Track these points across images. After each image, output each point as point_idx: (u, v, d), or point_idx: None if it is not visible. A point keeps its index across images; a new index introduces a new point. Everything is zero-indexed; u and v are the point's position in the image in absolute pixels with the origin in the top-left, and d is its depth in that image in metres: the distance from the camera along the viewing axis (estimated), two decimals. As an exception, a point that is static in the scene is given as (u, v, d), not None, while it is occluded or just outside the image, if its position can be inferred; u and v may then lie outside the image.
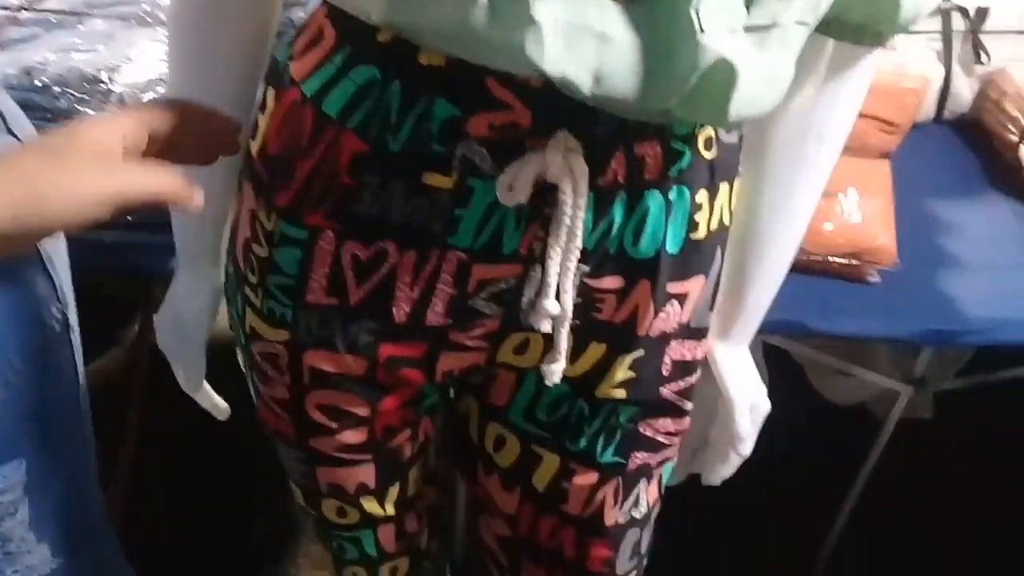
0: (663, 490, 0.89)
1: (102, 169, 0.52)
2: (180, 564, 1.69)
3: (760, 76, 0.55)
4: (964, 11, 1.22)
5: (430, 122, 0.59)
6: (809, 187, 0.75)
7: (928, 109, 1.27)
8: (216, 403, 0.87)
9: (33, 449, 0.82)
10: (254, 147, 0.68)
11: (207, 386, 0.86)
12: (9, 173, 0.49)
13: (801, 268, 1.04)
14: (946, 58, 1.24)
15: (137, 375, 1.83)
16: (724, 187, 0.67)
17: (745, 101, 0.54)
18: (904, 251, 1.03)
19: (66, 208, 0.50)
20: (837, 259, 1.02)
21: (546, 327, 0.66)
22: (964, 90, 1.26)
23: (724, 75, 0.52)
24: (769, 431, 1.62)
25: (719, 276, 0.72)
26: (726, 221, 0.68)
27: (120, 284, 1.52)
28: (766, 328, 0.99)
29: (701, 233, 0.66)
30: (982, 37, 1.23)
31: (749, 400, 0.83)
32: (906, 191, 1.10)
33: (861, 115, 1.03)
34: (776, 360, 1.58)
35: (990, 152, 1.25)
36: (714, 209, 0.67)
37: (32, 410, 0.80)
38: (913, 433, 1.65)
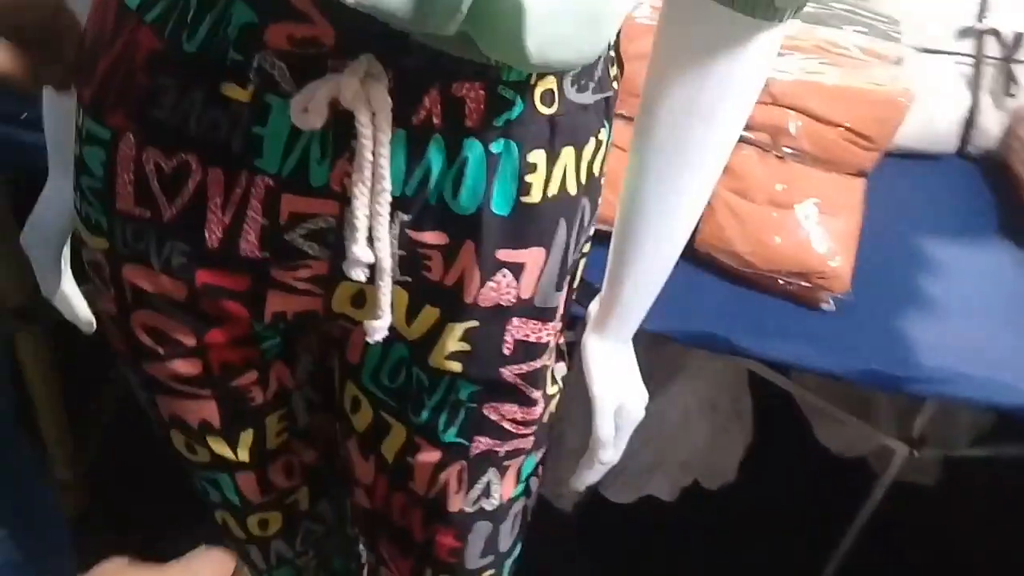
0: (527, 490, 0.83)
1: None
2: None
3: (568, 13, 0.49)
4: (998, 35, 1.10)
5: (228, 25, 0.55)
6: (694, 174, 0.68)
7: (949, 140, 1.15)
8: (78, 314, 0.85)
9: None
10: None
11: (67, 295, 0.84)
12: None
13: (746, 283, 0.96)
14: (975, 85, 1.13)
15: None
16: (569, 152, 0.61)
17: (548, 40, 0.49)
18: (864, 280, 0.94)
19: None
20: (784, 278, 0.93)
21: (359, 275, 0.61)
22: (992, 124, 1.14)
23: (510, 5, 0.46)
24: (765, 472, 1.53)
25: (568, 252, 0.65)
26: (571, 190, 0.62)
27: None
28: (685, 339, 0.92)
29: (535, 197, 0.60)
30: (1016, 67, 1.11)
31: (616, 402, 0.77)
32: (885, 217, 1.00)
33: (831, 123, 0.96)
34: (777, 401, 1.49)
35: (1012, 196, 1.13)
36: (552, 173, 0.60)
37: None
38: (911, 496, 1.53)
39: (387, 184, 0.57)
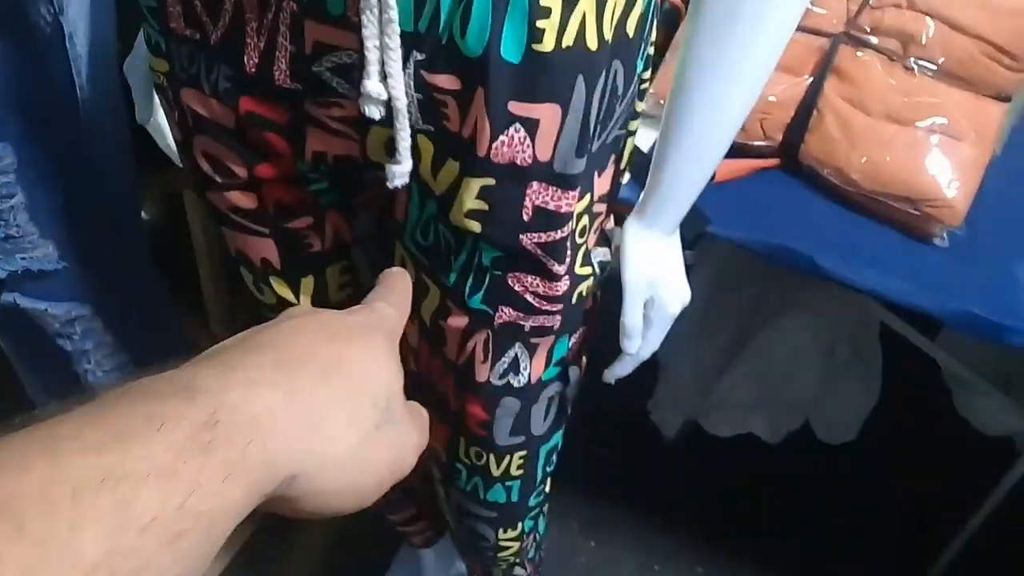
0: (563, 376, 0.81)
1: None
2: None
3: None
4: None
5: None
6: (746, 54, 0.62)
7: None
8: (168, 144, 0.91)
9: (22, 137, 0.91)
10: None
11: (160, 124, 0.89)
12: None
13: (845, 201, 0.88)
14: None
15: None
16: (588, 0, 0.57)
17: None
18: (980, 217, 0.83)
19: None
20: (890, 201, 0.84)
21: (373, 112, 0.61)
22: None
23: None
24: (890, 436, 1.42)
25: (589, 115, 0.62)
26: (591, 43, 0.59)
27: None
28: (764, 251, 0.86)
29: (547, 45, 0.58)
30: None
31: (648, 291, 0.73)
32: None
33: (972, 35, 0.85)
34: (912, 362, 1.37)
35: None
36: (569, 21, 0.57)
37: (18, 98, 0.88)
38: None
39: (394, 14, 0.56)
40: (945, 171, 0.82)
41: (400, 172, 0.64)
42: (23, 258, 1.02)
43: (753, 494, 1.55)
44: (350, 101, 0.64)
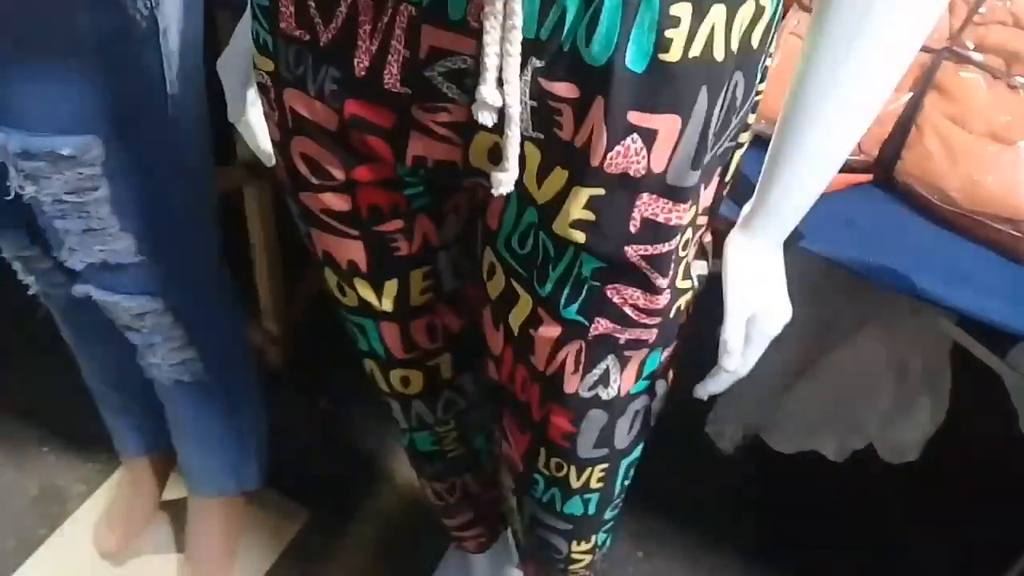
0: (651, 390, 0.80)
1: None
2: (341, 371, 1.81)
3: None
4: None
5: None
6: (872, 59, 0.61)
7: None
8: (260, 144, 0.90)
9: (112, 132, 0.91)
10: None
11: (251, 123, 0.89)
12: None
13: (944, 222, 0.86)
14: None
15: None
16: (719, 10, 0.56)
17: None
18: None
19: None
20: (992, 222, 0.82)
21: (486, 119, 0.60)
22: None
23: None
24: (953, 457, 1.39)
25: (708, 126, 0.61)
26: (718, 54, 0.57)
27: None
28: (861, 270, 0.84)
29: (674, 55, 0.56)
30: None
31: (750, 309, 0.71)
32: None
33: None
34: (980, 382, 1.34)
35: None
36: (698, 31, 0.56)
37: (110, 92, 0.88)
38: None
39: (518, 20, 0.55)
40: (1050, 192, 0.80)
41: (507, 180, 0.63)
42: (101, 250, 1.02)
43: (807, 512, 1.53)
44: (458, 106, 0.63)
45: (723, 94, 0.60)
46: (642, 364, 0.77)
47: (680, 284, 0.72)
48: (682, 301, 0.74)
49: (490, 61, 0.58)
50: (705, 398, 0.79)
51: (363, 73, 0.64)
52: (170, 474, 1.54)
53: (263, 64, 0.71)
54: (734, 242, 0.72)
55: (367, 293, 0.86)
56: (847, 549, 1.53)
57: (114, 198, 0.96)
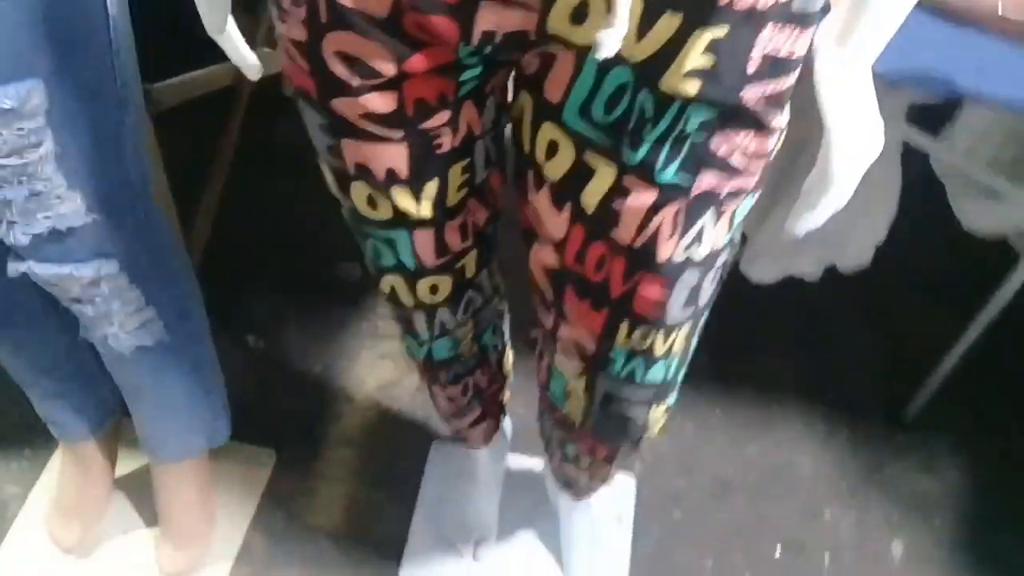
0: (733, 239, 0.77)
1: None
2: (256, 301, 1.71)
3: None
4: None
5: None
6: None
7: None
8: (244, 55, 0.78)
9: (53, 71, 0.76)
10: None
11: (232, 33, 0.77)
12: None
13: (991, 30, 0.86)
14: None
15: (244, 87, 1.79)
16: None
17: None
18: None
19: None
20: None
21: None
22: None
23: None
24: (889, 247, 1.47)
25: None
26: None
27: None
28: (899, 77, 0.83)
29: None
30: None
31: (852, 134, 0.69)
32: None
33: None
34: (913, 170, 1.41)
35: None
36: None
37: (48, 28, 0.74)
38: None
39: None
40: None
41: (616, 37, 0.57)
42: (47, 216, 0.87)
43: (749, 323, 1.59)
44: None
45: None
46: (734, 214, 0.73)
47: (785, 118, 0.68)
48: (782, 137, 0.70)
49: None
50: (801, 234, 0.76)
51: None
52: (117, 449, 1.41)
53: None
54: (829, 62, 0.67)
55: (405, 201, 0.78)
56: (786, 356, 1.62)
57: (59, 152, 0.82)
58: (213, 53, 0.80)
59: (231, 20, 0.75)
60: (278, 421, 1.55)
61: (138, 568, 1.35)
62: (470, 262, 0.91)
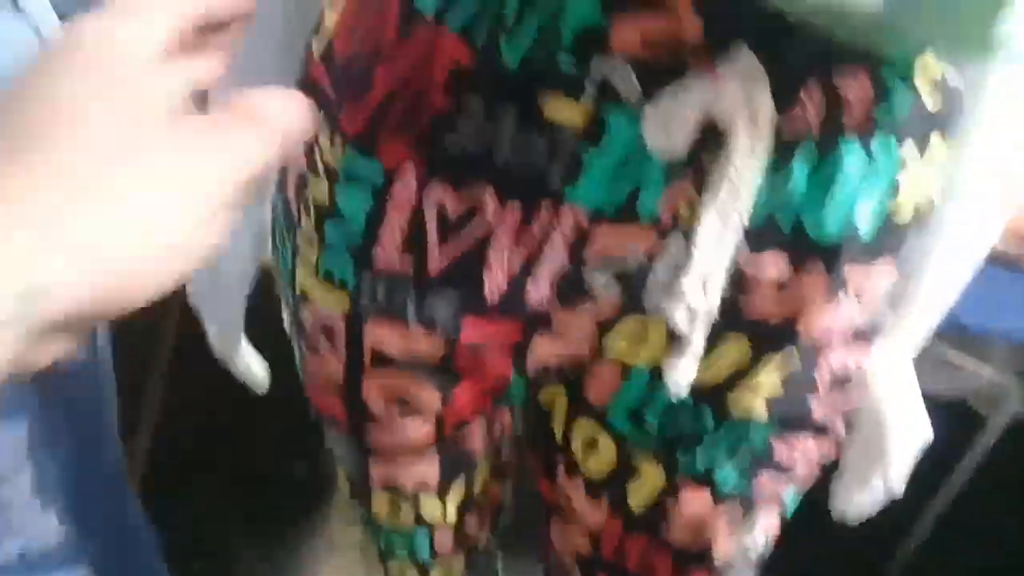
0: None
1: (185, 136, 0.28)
2: (203, 514, 1.60)
3: None
4: None
5: (561, 27, 0.43)
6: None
7: None
8: (254, 372, 0.72)
9: (39, 405, 0.69)
10: (316, 48, 0.52)
11: (246, 349, 0.71)
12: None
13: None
14: None
15: (171, 314, 1.71)
16: (936, 139, 0.50)
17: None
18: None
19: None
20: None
21: (681, 319, 0.50)
22: None
23: None
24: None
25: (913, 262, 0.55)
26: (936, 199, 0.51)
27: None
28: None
29: (904, 215, 0.50)
30: None
31: (906, 419, 0.67)
32: None
33: None
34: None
35: None
36: (922, 175, 0.50)
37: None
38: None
39: (745, 211, 0.46)
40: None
41: (684, 375, 0.53)
42: (19, 543, 0.77)
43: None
44: (608, 299, 0.52)
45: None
46: (786, 504, 0.69)
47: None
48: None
49: (699, 259, 0.47)
50: (851, 518, 0.73)
51: (495, 297, 0.51)
52: None
53: (331, 302, 0.55)
54: (881, 356, 0.66)
55: (431, 506, 0.72)
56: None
57: (39, 474, 0.73)
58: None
59: (244, 338, 0.70)
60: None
61: None
62: (483, 538, 0.84)
